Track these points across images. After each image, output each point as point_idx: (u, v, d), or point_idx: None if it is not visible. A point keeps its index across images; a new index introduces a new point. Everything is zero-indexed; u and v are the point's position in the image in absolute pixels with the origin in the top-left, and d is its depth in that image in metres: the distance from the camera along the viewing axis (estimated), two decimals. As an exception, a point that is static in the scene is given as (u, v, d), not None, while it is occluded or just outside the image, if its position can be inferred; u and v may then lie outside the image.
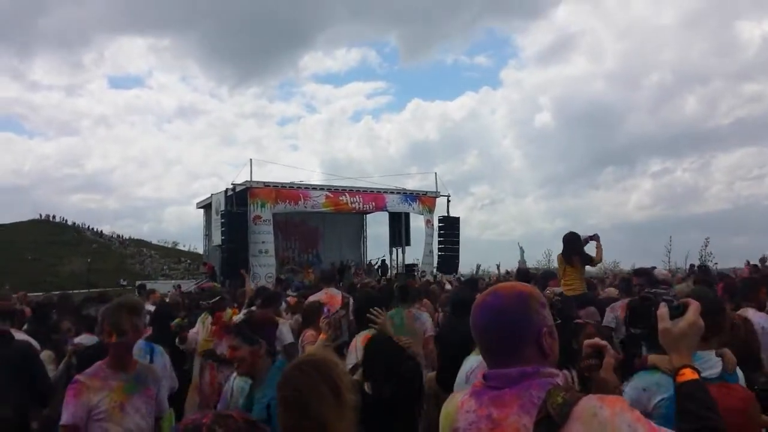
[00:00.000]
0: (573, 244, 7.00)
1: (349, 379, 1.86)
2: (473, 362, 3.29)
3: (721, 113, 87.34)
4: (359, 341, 3.85)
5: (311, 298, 6.50)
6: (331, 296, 6.58)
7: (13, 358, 3.79)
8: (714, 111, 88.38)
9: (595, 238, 7.19)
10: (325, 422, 1.72)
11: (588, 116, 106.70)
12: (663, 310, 1.47)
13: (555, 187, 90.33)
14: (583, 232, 7.31)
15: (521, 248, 18.67)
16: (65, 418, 2.81)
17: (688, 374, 1.42)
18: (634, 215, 77.78)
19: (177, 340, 5.72)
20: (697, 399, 1.38)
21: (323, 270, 10.07)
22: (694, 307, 1.47)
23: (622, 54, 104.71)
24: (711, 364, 2.33)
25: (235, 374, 3.31)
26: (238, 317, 4.36)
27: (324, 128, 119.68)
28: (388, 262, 24.67)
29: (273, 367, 2.76)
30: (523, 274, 8.47)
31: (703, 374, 2.32)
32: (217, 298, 5.57)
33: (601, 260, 7.37)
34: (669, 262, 21.27)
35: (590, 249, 7.14)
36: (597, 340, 1.75)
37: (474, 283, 8.75)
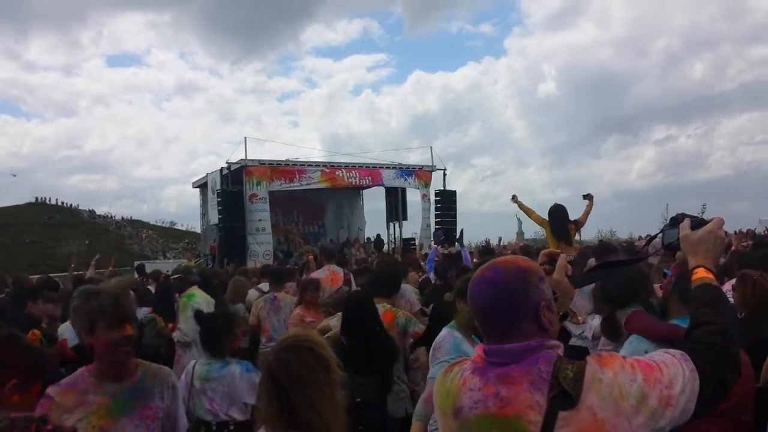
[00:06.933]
0: (563, 215, 6.72)
1: (334, 356, 1.82)
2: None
3: (728, 78, 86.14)
4: None
5: (313, 275, 6.52)
6: (333, 273, 6.59)
7: None
8: (721, 76, 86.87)
9: (588, 197, 7.01)
10: (316, 404, 1.70)
11: (593, 84, 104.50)
12: (686, 222, 1.60)
13: (557, 157, 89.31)
14: (582, 201, 7.10)
15: (519, 220, 18.68)
16: None
17: (700, 273, 1.50)
18: (635, 183, 77.57)
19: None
20: (703, 298, 1.46)
21: (324, 247, 10.03)
22: (715, 219, 1.58)
23: (631, 19, 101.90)
24: None
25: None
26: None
27: (324, 103, 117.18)
28: (384, 237, 24.71)
29: None
30: (525, 250, 8.40)
31: None
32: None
33: (584, 223, 6.99)
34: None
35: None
36: (552, 249, 1.85)
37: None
